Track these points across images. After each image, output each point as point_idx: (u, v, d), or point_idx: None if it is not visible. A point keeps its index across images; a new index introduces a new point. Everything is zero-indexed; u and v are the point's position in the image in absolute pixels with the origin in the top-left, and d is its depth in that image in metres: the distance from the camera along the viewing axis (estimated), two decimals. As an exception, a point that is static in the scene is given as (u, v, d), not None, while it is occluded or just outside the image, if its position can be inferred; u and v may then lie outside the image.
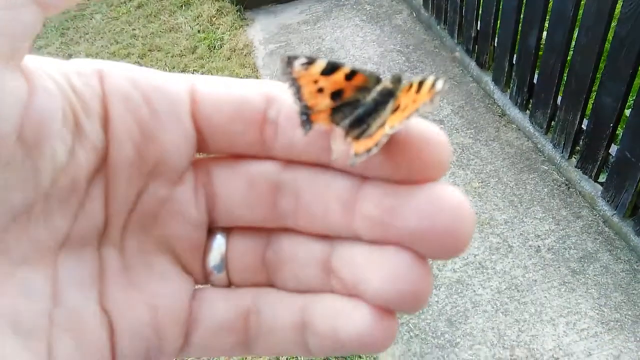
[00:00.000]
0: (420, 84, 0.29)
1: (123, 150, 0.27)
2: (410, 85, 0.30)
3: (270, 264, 0.30)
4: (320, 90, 0.31)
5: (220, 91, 0.29)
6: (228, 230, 0.31)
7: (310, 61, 0.31)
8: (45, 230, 0.25)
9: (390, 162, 0.27)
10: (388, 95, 0.31)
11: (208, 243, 0.31)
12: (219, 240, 0.31)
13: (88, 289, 0.27)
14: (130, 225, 0.28)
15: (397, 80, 0.31)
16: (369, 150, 0.27)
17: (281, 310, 0.29)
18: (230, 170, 0.30)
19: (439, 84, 0.27)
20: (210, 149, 0.30)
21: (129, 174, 0.27)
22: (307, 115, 0.29)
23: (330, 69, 0.31)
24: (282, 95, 0.29)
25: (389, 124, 0.28)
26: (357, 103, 0.31)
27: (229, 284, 0.31)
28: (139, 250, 0.29)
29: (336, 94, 0.31)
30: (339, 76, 0.31)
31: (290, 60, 0.31)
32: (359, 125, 0.30)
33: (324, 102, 0.30)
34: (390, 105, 0.30)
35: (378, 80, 0.32)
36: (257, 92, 0.29)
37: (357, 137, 0.29)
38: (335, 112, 0.31)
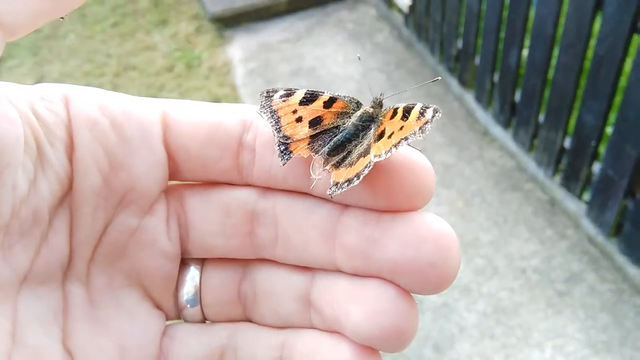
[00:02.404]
0: (407, 110, 0.27)
1: (89, 179, 0.25)
2: (394, 111, 0.29)
3: (247, 297, 0.29)
4: (299, 119, 0.30)
5: (193, 116, 0.28)
6: (202, 262, 0.30)
7: (289, 93, 0.30)
8: (5, 266, 0.24)
9: (371, 190, 0.26)
10: (369, 120, 0.30)
11: (181, 275, 0.29)
12: (193, 273, 0.29)
13: (51, 327, 0.25)
14: (97, 258, 0.27)
15: (378, 104, 0.30)
16: (349, 181, 0.25)
17: (259, 348, 0.28)
18: (205, 198, 0.28)
19: (429, 113, 0.26)
20: (184, 176, 0.28)
21: (95, 204, 0.26)
22: (285, 145, 0.28)
23: (309, 98, 0.31)
24: (258, 120, 0.28)
25: (374, 152, 0.26)
26: (336, 129, 0.30)
27: (203, 319, 0.30)
28: (106, 284, 0.27)
29: (315, 122, 0.30)
30: (317, 104, 0.31)
31: (269, 94, 0.30)
32: (338, 152, 0.29)
33: (303, 130, 0.30)
34: (372, 131, 0.29)
35: (358, 105, 0.31)
36: (232, 116, 0.28)
37: (337, 165, 0.28)
38: (314, 140, 0.30)
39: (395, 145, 0.25)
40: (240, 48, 3.20)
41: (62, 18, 0.22)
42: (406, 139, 0.25)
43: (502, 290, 1.91)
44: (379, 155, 0.25)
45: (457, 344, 1.79)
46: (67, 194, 0.26)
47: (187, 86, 2.93)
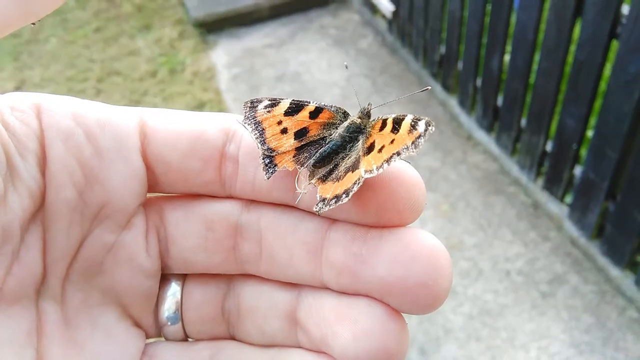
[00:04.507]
0: (397, 122, 0.27)
1: (63, 193, 0.24)
2: (383, 122, 0.28)
3: (231, 314, 0.28)
4: (284, 130, 0.29)
5: (173, 125, 0.27)
6: (183, 277, 0.29)
7: (274, 103, 0.30)
8: None
9: (360, 205, 0.25)
10: (356, 131, 0.29)
11: (161, 292, 0.28)
12: (174, 288, 0.28)
13: (23, 348, 0.24)
14: (72, 275, 0.26)
15: (366, 114, 0.29)
16: (337, 198, 0.24)
17: None
18: (186, 211, 0.28)
19: (421, 126, 0.25)
20: (164, 189, 0.28)
21: (69, 219, 0.25)
22: (270, 158, 0.27)
23: (295, 108, 0.30)
24: (241, 129, 0.27)
25: (364, 167, 0.25)
26: (322, 141, 0.30)
27: (185, 337, 0.29)
28: (82, 302, 0.26)
29: (300, 133, 0.29)
30: (303, 115, 0.30)
31: (253, 104, 0.29)
32: (325, 164, 0.28)
33: (288, 142, 0.29)
34: (360, 143, 0.29)
35: (345, 115, 0.30)
36: (214, 126, 0.27)
37: (323, 179, 0.27)
38: (300, 152, 0.29)
39: (387, 161, 0.24)
40: (224, 53, 3.19)
41: (33, 24, 0.21)
42: (398, 153, 0.24)
43: (487, 293, 1.93)
44: (370, 171, 0.24)
45: (443, 346, 1.79)
46: (40, 209, 0.25)
47: (170, 91, 2.91)
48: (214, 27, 3.33)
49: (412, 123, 0.25)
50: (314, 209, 0.25)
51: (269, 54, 3.16)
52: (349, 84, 2.88)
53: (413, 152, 0.24)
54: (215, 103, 2.82)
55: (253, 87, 2.92)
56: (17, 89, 2.97)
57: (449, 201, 2.23)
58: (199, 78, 2.98)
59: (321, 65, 3.04)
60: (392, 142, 0.25)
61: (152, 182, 0.27)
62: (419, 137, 0.24)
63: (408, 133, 0.25)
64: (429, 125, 0.25)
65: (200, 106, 2.82)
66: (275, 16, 3.42)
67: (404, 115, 0.26)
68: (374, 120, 0.29)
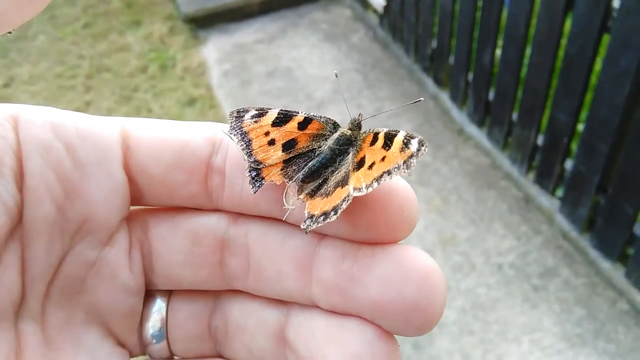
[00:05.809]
0: (389, 137, 0.26)
1: (42, 209, 0.23)
2: (375, 136, 0.27)
3: (218, 331, 0.27)
4: (272, 142, 0.28)
5: (157, 135, 0.26)
6: (169, 293, 0.28)
7: (262, 113, 0.29)
8: None
9: (350, 220, 0.24)
10: (347, 143, 0.28)
11: (146, 308, 0.28)
12: (159, 305, 0.28)
13: None
14: (53, 294, 0.25)
15: (356, 125, 0.28)
16: (325, 215, 0.24)
17: None
18: (171, 225, 0.27)
19: (414, 145, 0.24)
20: (148, 202, 0.27)
21: (49, 235, 0.24)
22: (256, 171, 0.26)
23: (282, 118, 0.29)
24: (228, 140, 0.26)
25: (353, 184, 0.24)
26: (311, 153, 0.28)
27: (171, 355, 0.28)
28: (63, 322, 0.25)
29: (288, 145, 0.28)
30: (291, 125, 0.29)
31: (240, 114, 0.28)
32: (314, 178, 0.27)
33: (276, 154, 0.28)
34: (350, 156, 0.28)
35: (335, 127, 0.29)
36: (200, 136, 0.26)
37: (312, 194, 0.26)
38: (288, 165, 0.28)
39: (377, 180, 0.23)
40: (214, 49, 3.17)
41: (9, 33, 0.20)
42: (389, 173, 0.23)
43: (480, 287, 1.93)
44: (359, 189, 0.24)
45: (437, 340, 1.80)
46: (18, 226, 0.24)
47: (161, 87, 2.89)
48: (205, 22, 3.30)
49: (405, 141, 0.24)
50: (302, 226, 0.24)
51: (260, 49, 3.15)
52: (341, 79, 2.87)
53: (405, 172, 0.23)
54: (207, 99, 2.80)
55: (244, 83, 2.90)
56: (6, 86, 2.94)
57: (441, 196, 2.23)
58: (189, 74, 2.96)
59: (313, 60, 3.03)
60: (383, 159, 0.25)
61: (136, 195, 0.26)
62: (411, 156, 0.23)
63: (400, 151, 0.24)
64: (422, 145, 0.24)
65: (191, 102, 2.80)
66: (265, 11, 3.40)
67: (396, 131, 0.26)
68: (365, 132, 0.28)
